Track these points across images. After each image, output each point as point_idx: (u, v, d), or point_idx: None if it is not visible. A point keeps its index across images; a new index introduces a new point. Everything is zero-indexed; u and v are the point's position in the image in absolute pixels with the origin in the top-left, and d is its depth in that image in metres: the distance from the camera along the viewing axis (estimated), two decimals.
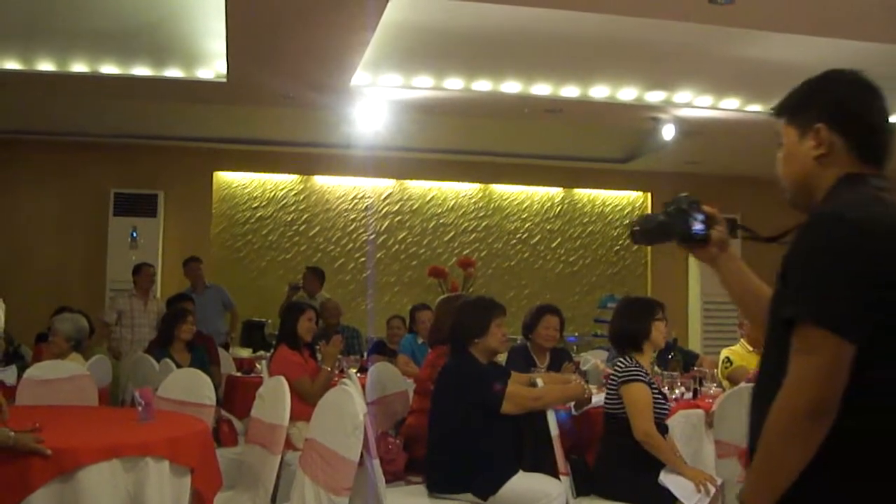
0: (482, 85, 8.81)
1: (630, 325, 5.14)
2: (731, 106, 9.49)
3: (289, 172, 12.11)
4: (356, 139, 10.17)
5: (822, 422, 1.97)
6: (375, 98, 9.03)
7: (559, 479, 4.94)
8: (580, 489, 5.02)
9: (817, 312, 1.99)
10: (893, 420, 2.02)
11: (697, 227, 2.51)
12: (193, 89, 8.94)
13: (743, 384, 5.68)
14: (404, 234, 12.28)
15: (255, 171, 12.03)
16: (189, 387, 5.41)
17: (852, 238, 2.01)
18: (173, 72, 8.59)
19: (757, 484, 2.09)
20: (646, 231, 2.63)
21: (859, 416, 2.00)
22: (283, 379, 4.99)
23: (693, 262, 12.96)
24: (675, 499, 4.76)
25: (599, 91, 9.07)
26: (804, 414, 1.98)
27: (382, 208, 12.30)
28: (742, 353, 7.32)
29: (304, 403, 5.61)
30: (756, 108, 9.55)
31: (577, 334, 11.27)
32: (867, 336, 1.97)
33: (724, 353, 7.42)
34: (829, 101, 2.27)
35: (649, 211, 13.11)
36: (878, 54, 7.94)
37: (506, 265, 12.52)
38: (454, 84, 8.75)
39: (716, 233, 2.54)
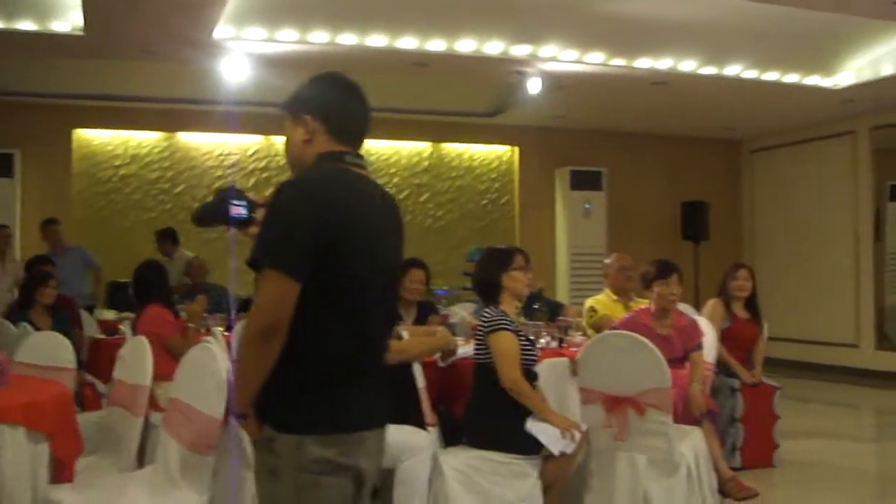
0: (348, 38, 8.73)
1: (488, 274, 5.20)
2: (595, 60, 9.61)
3: (152, 129, 11.81)
4: (221, 94, 9.97)
5: (273, 339, 2.57)
6: (239, 52, 8.87)
7: (427, 430, 4.98)
8: (448, 440, 5.07)
9: (268, 255, 2.60)
10: (331, 344, 2.66)
11: (239, 211, 2.97)
12: (48, 42, 8.63)
13: (606, 332, 5.80)
14: (271, 190, 12.10)
15: (116, 128, 11.70)
16: (48, 351, 5.28)
17: (299, 199, 2.64)
18: (26, 24, 8.28)
19: (235, 390, 2.70)
20: (201, 216, 3.17)
21: (308, 341, 2.62)
22: (144, 339, 4.90)
23: (560, 215, 13.17)
24: (542, 445, 4.85)
25: (466, 45, 9.08)
26: (259, 333, 2.57)
27: (249, 165, 12.13)
28: (606, 303, 7.49)
29: (172, 363, 5.52)
30: (620, 62, 9.70)
31: (446, 288, 11.31)
32: (307, 275, 2.57)
33: (589, 302, 7.58)
34: (313, 98, 2.86)
35: (516, 165, 13.24)
36: (738, 11, 8.17)
37: None
38: (319, 38, 8.65)
39: (258, 215, 2.93)
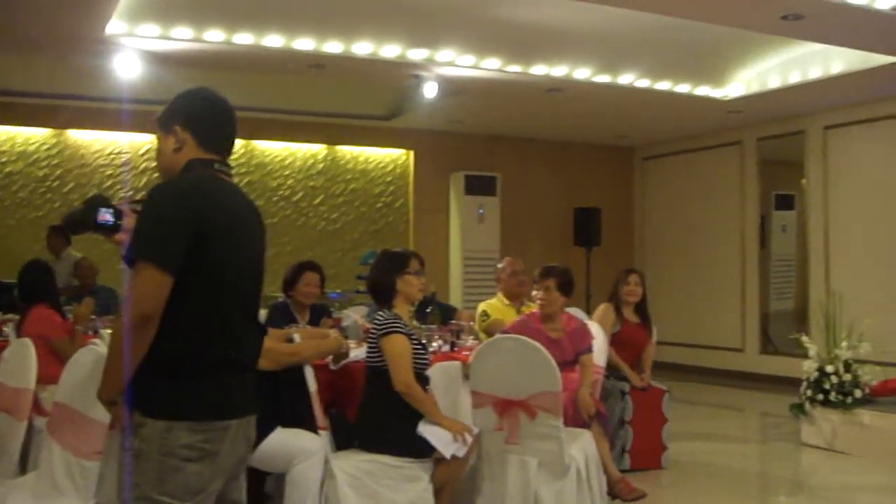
0: (244, 38, 8.63)
1: (383, 277, 5.19)
2: (492, 66, 9.67)
3: (40, 126, 11.50)
4: (113, 92, 9.77)
5: (146, 330, 2.73)
6: (132, 49, 8.70)
7: (318, 434, 4.95)
8: (340, 443, 5.05)
9: (141, 249, 2.77)
10: (200, 335, 2.85)
11: (106, 218, 3.17)
12: None
13: (498, 336, 5.84)
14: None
15: (2, 123, 11.37)
16: None
17: (172, 197, 2.86)
18: None
19: (105, 378, 2.84)
20: (69, 222, 3.38)
21: (178, 331, 2.80)
22: (29, 341, 4.78)
23: (454, 219, 13.22)
24: (434, 448, 4.86)
25: (363, 47, 9.05)
26: (132, 323, 2.71)
27: (141, 164, 11.91)
28: (499, 307, 7.55)
29: (58, 365, 5.38)
30: (516, 68, 9.77)
31: (339, 291, 11.29)
32: (180, 269, 2.76)
33: (482, 306, 7.63)
34: (183, 110, 3.09)
35: (411, 169, 13.25)
36: (632, 21, 8.30)
37: (268, 223, 12.22)
38: (215, 36, 8.53)
39: (125, 223, 3.17)
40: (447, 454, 4.86)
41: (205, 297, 2.86)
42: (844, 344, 8.11)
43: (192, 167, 3.01)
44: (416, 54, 9.28)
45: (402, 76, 10.01)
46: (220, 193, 2.99)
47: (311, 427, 4.96)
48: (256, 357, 3.10)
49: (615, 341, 7.31)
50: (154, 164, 11.71)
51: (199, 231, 2.81)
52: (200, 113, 3.09)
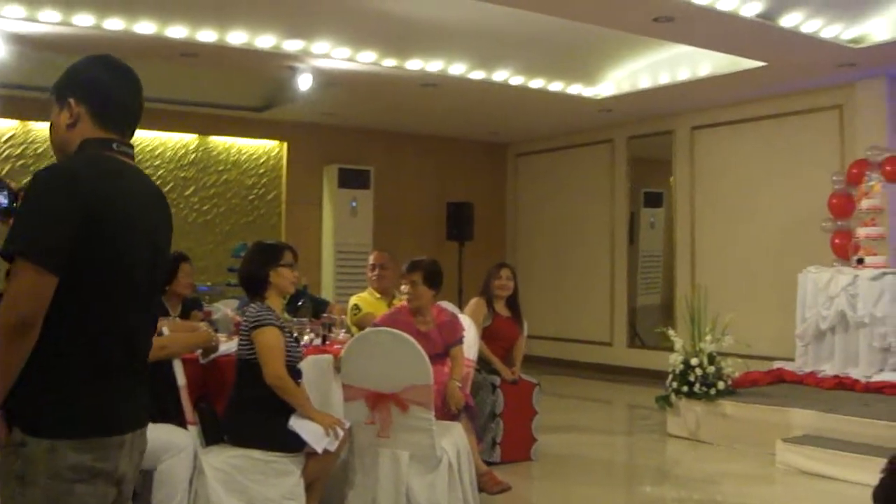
0: (114, 23, 8.42)
1: (255, 269, 5.14)
2: (367, 59, 9.64)
3: None
4: None
5: (26, 336, 2.41)
6: None
7: (187, 429, 4.87)
8: (209, 438, 4.98)
9: (21, 245, 2.44)
10: (88, 341, 2.52)
11: (0, 201, 3.03)
12: None
13: (369, 329, 5.84)
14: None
15: None
16: None
17: (57, 186, 2.51)
18: None
19: None
20: None
21: (63, 337, 2.48)
22: None
23: (327, 212, 13.15)
24: (305, 442, 4.84)
25: (237, 37, 8.93)
26: (9, 329, 2.39)
27: (4, 151, 11.53)
28: (370, 300, 7.55)
29: None
30: (392, 62, 9.77)
31: (210, 283, 11.13)
32: (66, 266, 2.44)
33: (353, 300, 7.62)
34: (78, 80, 2.73)
35: (285, 161, 13.13)
36: (507, 18, 8.37)
37: None
38: (84, 20, 8.30)
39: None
40: (318, 448, 4.84)
41: (96, 297, 2.53)
42: (708, 337, 8.35)
43: (86, 147, 2.65)
44: (292, 45, 9.21)
45: (276, 67, 9.92)
46: (116, 178, 2.63)
47: (180, 422, 4.87)
48: (147, 360, 2.78)
49: (486, 335, 7.37)
50: (17, 151, 11.39)
51: (89, 222, 2.47)
52: (98, 84, 2.71)
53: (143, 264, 2.67)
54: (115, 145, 2.69)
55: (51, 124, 2.77)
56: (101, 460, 2.52)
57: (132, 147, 2.77)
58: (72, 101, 2.69)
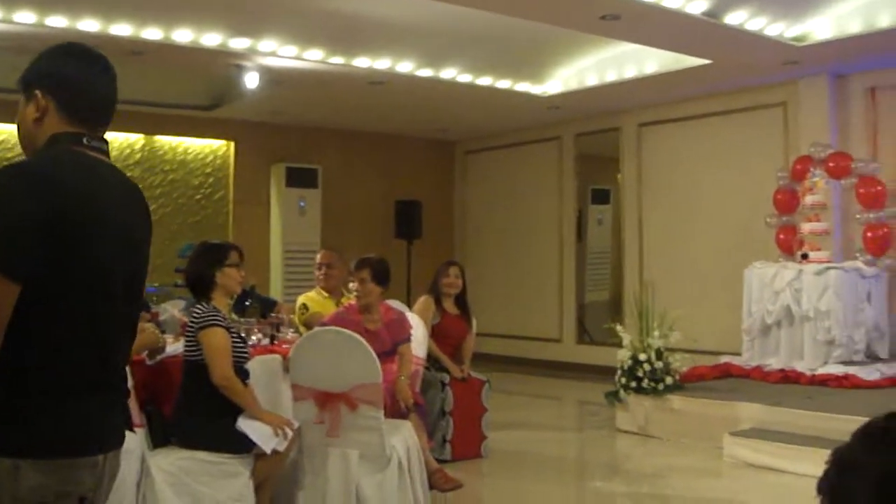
0: (57, 21, 8.30)
1: (201, 270, 5.09)
2: (315, 57, 9.60)
3: None
4: None
5: None
6: None
7: (133, 431, 4.81)
8: (156, 441, 4.93)
9: None
10: (58, 354, 2.31)
11: None
12: None
13: (317, 328, 5.82)
14: None
15: None
16: None
17: (21, 185, 2.27)
18: None
19: None
20: None
21: (29, 350, 2.26)
22: None
23: (275, 212, 13.08)
24: (254, 443, 4.81)
25: (183, 35, 8.85)
26: None
27: None
28: (318, 300, 7.52)
29: None
30: (339, 60, 9.73)
31: (157, 284, 11.01)
32: (32, 274, 2.23)
33: (301, 299, 7.59)
34: (44, 71, 2.50)
35: (232, 160, 13.03)
36: (455, 16, 8.37)
37: None
38: (25, 18, 8.18)
39: None
40: (267, 449, 4.81)
41: (66, 306, 2.32)
42: (656, 333, 8.41)
43: (54, 142, 2.43)
44: (238, 43, 9.14)
45: (223, 65, 9.85)
46: (86, 176, 2.40)
47: (127, 425, 4.81)
48: (125, 374, 2.56)
49: (435, 333, 7.38)
50: None
51: (56, 224, 2.26)
52: (66, 75, 2.49)
53: (120, 270, 2.46)
54: (85, 140, 2.47)
55: (18, 119, 2.56)
56: (68, 483, 2.31)
57: (105, 142, 2.54)
58: (38, 93, 2.47)
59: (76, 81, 2.50)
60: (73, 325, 2.34)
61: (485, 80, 10.84)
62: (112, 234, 2.42)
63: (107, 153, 2.53)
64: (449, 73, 10.51)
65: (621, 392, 8.52)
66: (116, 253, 2.43)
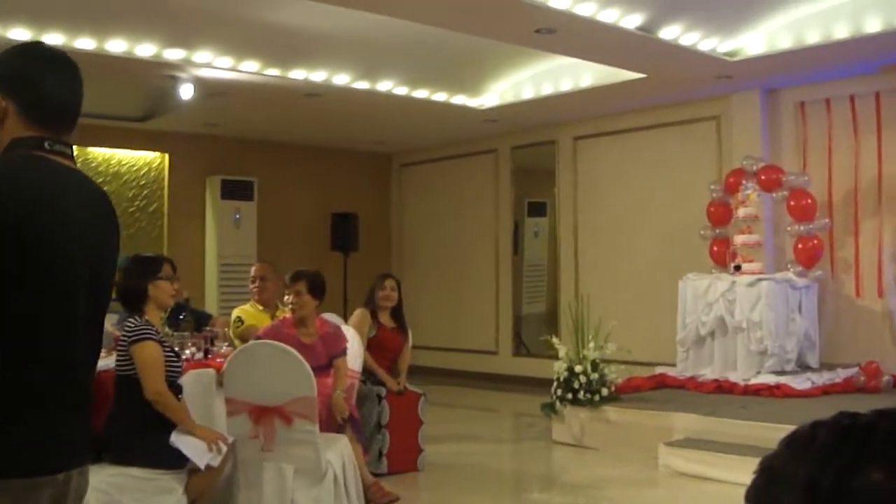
0: None
1: (133, 283, 5.03)
2: (250, 69, 9.54)
3: None
4: None
5: None
6: None
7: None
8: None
9: None
10: (14, 368, 2.19)
11: None
12: None
13: (251, 342, 5.77)
14: None
15: None
16: None
17: None
18: None
19: None
20: None
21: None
22: None
23: (210, 224, 12.97)
24: (187, 459, 4.75)
25: (116, 45, 8.74)
26: None
27: None
28: (253, 313, 7.47)
29: None
30: (275, 72, 9.69)
31: None
32: None
33: (236, 312, 7.54)
34: (5, 72, 2.37)
35: (166, 172, 12.90)
36: (392, 29, 8.37)
37: None
38: None
39: None
40: (201, 464, 4.76)
41: (26, 315, 2.21)
42: (592, 345, 8.46)
43: (14, 147, 2.31)
44: (173, 54, 9.06)
45: (157, 76, 9.74)
46: (48, 181, 2.29)
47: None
48: (90, 389, 2.44)
49: (371, 346, 7.35)
50: None
51: (15, 232, 2.17)
52: (27, 76, 2.36)
53: (83, 281, 2.33)
54: (47, 144, 2.33)
55: None
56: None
57: (70, 146, 2.40)
58: None
59: (38, 83, 2.37)
60: (31, 339, 2.22)
61: (421, 93, 10.85)
62: (73, 246, 2.30)
63: (71, 157, 2.40)
64: (385, 85, 10.50)
65: (557, 404, 8.55)
66: (80, 260, 2.32)
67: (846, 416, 1.04)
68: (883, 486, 0.94)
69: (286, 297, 6.32)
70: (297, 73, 9.86)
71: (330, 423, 5.84)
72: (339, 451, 5.44)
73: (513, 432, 10.49)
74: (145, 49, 8.88)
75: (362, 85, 10.34)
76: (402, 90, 10.68)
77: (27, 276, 2.20)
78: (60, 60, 2.45)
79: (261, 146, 13.55)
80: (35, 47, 2.49)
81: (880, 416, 1.02)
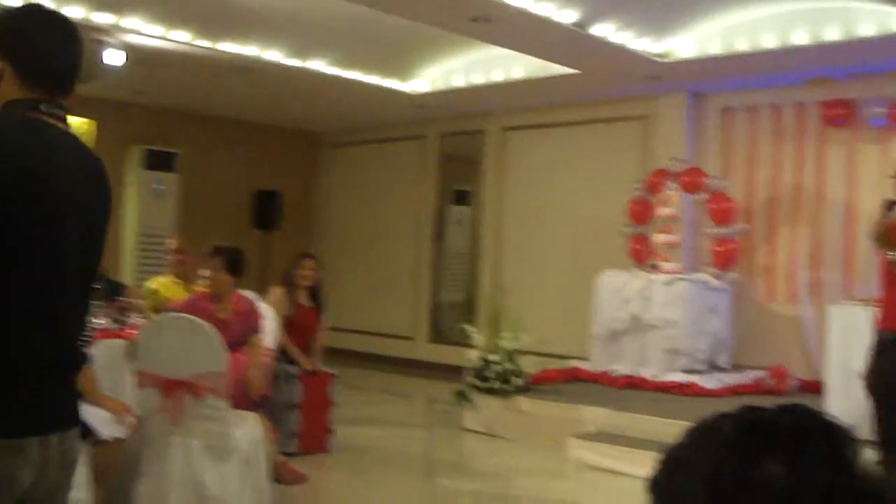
0: None
1: None
2: (181, 38, 9.39)
3: None
4: None
5: None
6: None
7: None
8: None
9: None
10: (5, 330, 2.19)
11: None
12: None
13: (165, 314, 5.70)
14: None
15: None
16: None
17: None
18: None
19: None
20: None
21: None
22: None
23: (132, 194, 12.76)
24: (92, 430, 4.68)
25: (42, 3, 8.53)
26: None
27: None
28: (169, 285, 7.39)
29: None
30: (206, 43, 9.55)
31: None
32: None
33: (152, 284, 7.44)
34: (1, 33, 2.36)
35: (94, 140, 12.66)
36: (326, 7, 8.30)
37: None
38: None
39: None
40: (107, 435, 4.69)
41: (14, 278, 2.19)
42: (508, 335, 8.51)
43: (7, 109, 2.30)
44: (101, 18, 8.88)
45: (85, 40, 9.52)
46: (41, 144, 2.27)
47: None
48: (79, 353, 2.43)
49: (287, 325, 7.32)
50: None
51: (6, 194, 2.15)
52: (22, 36, 2.34)
53: (73, 242, 2.33)
54: (42, 106, 2.32)
55: None
56: (5, 466, 2.16)
57: (64, 108, 2.39)
58: None
59: (33, 44, 2.34)
60: (19, 302, 2.20)
61: (353, 74, 10.79)
62: (65, 208, 2.30)
63: (65, 120, 2.38)
64: (317, 64, 10.42)
65: (470, 392, 8.59)
66: (66, 224, 2.31)
67: (750, 409, 1.06)
68: (782, 479, 0.96)
69: (203, 272, 6.25)
70: (229, 47, 9.73)
71: (241, 400, 5.79)
72: (249, 429, 5.40)
73: (425, 418, 10.51)
74: (72, 11, 8.68)
75: (294, 62, 10.25)
76: (334, 70, 10.60)
77: (19, 241, 2.18)
78: (57, 21, 2.43)
79: (188, 118, 13.36)
80: (34, 9, 2.44)
81: (783, 411, 1.04)
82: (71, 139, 2.41)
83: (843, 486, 0.96)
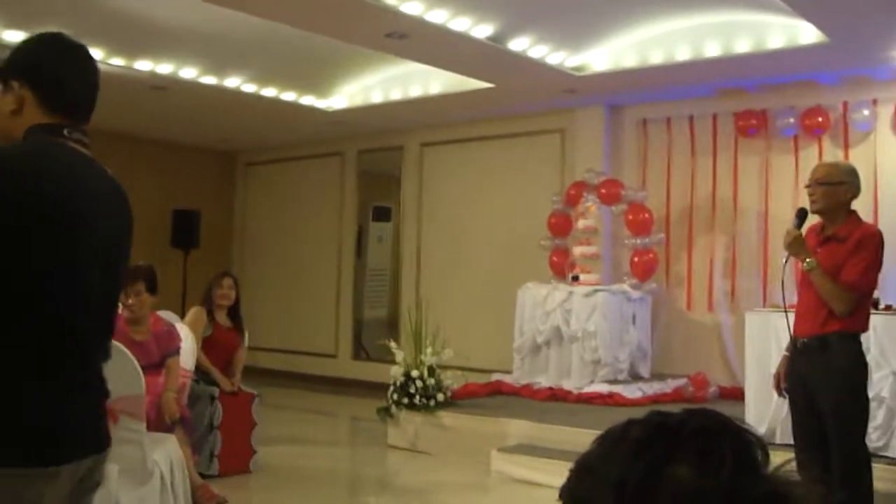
0: None
1: None
2: (94, 56, 9.21)
3: None
4: None
5: None
6: None
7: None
8: None
9: None
10: (35, 356, 2.22)
11: None
12: None
13: None
14: None
15: None
16: None
17: None
18: None
19: None
20: None
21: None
22: None
23: None
24: None
25: None
26: None
27: None
28: None
29: None
30: (119, 62, 9.41)
31: None
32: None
33: None
34: (23, 61, 2.42)
35: None
36: (242, 24, 8.24)
37: None
38: None
39: None
40: None
41: (37, 306, 2.21)
42: (429, 350, 8.50)
43: (32, 134, 2.34)
44: (13, 36, 8.71)
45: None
46: (65, 168, 2.32)
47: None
48: (101, 373, 2.46)
49: (206, 345, 7.22)
50: None
51: (28, 219, 2.18)
52: (44, 64, 2.41)
53: (96, 268, 2.36)
54: (66, 131, 2.39)
55: None
56: (31, 490, 2.13)
57: (86, 134, 2.46)
58: (15, 84, 2.38)
59: (55, 72, 2.42)
60: (43, 327, 2.22)
61: (269, 91, 10.72)
62: (89, 234, 2.33)
63: (87, 145, 2.44)
64: (233, 81, 10.33)
65: (393, 408, 8.56)
66: (95, 252, 2.35)
67: (658, 414, 1.06)
68: (689, 481, 0.96)
69: (124, 298, 6.10)
70: (143, 65, 9.61)
71: (159, 423, 5.71)
72: (167, 452, 5.31)
73: (348, 436, 10.46)
74: None
75: (210, 80, 10.15)
76: (250, 87, 10.53)
77: (42, 268, 2.21)
78: (77, 50, 2.50)
79: (102, 137, 12.88)
80: (53, 38, 2.49)
81: (690, 415, 1.04)
82: (94, 165, 2.46)
83: (748, 487, 0.96)
